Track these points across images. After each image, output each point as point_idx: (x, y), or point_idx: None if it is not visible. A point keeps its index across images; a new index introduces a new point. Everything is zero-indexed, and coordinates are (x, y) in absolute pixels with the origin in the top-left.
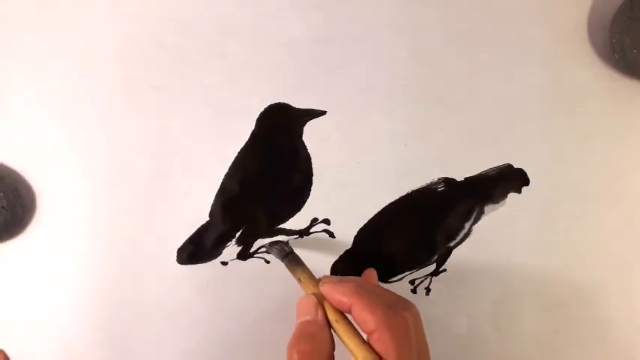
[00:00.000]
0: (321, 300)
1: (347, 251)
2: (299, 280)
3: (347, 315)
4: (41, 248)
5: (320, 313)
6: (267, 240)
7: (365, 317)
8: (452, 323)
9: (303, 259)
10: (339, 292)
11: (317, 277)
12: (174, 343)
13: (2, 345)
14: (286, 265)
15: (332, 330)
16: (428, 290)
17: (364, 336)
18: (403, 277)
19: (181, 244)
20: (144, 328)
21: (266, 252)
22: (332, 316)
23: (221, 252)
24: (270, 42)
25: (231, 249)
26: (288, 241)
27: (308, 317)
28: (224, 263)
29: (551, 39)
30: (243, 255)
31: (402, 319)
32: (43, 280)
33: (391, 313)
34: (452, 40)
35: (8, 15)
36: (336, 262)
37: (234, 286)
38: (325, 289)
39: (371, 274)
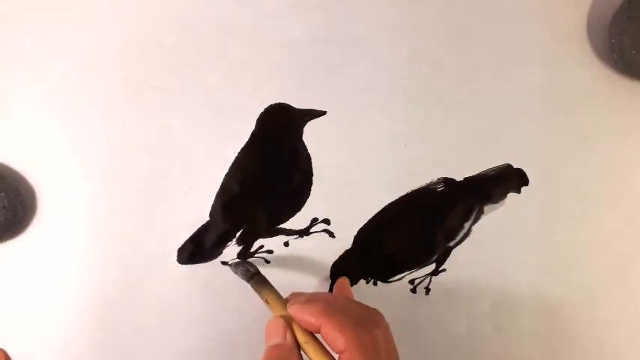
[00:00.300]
0: (289, 321)
1: (347, 251)
2: (266, 301)
3: (317, 335)
4: (42, 248)
5: (289, 336)
6: (267, 239)
7: (334, 337)
8: (451, 323)
9: (303, 259)
10: (307, 313)
11: (284, 297)
12: (174, 342)
13: (2, 345)
14: (252, 287)
15: (302, 351)
16: (427, 290)
17: (335, 356)
18: (403, 277)
19: (182, 243)
20: (144, 328)
21: (233, 272)
22: (301, 338)
23: (221, 252)
24: (270, 42)
25: (232, 249)
26: (252, 262)
27: (277, 340)
28: (224, 263)
29: (551, 39)
30: (244, 255)
31: (372, 338)
32: (44, 280)
33: (361, 332)
34: (451, 41)
35: (8, 15)
36: (335, 262)
37: (235, 286)
38: (293, 310)
39: (343, 283)
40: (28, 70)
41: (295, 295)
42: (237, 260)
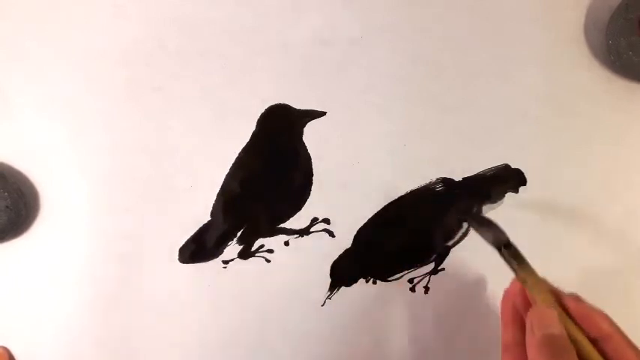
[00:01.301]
0: (558, 313)
1: (347, 251)
2: (523, 281)
3: None
4: (45, 247)
5: (565, 330)
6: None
7: (630, 355)
8: (450, 322)
9: (303, 259)
10: (600, 317)
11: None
12: (175, 341)
13: (6, 344)
14: (505, 259)
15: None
16: (426, 289)
17: None
18: (402, 276)
19: (183, 243)
20: (145, 327)
21: (473, 227)
22: (580, 336)
23: (222, 251)
24: (270, 43)
25: (233, 248)
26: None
27: (555, 331)
28: (225, 262)
29: (549, 41)
30: (245, 254)
31: None
32: (47, 279)
33: None
34: (450, 42)
35: (12, 17)
36: (335, 261)
37: (236, 285)
38: (580, 307)
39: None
40: (32, 71)
41: (570, 294)
42: (484, 217)
